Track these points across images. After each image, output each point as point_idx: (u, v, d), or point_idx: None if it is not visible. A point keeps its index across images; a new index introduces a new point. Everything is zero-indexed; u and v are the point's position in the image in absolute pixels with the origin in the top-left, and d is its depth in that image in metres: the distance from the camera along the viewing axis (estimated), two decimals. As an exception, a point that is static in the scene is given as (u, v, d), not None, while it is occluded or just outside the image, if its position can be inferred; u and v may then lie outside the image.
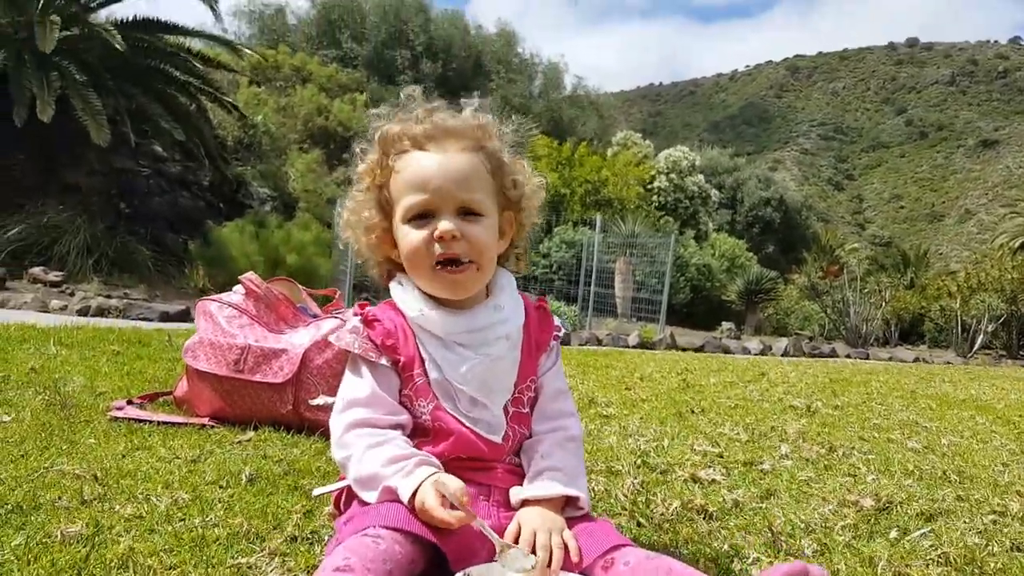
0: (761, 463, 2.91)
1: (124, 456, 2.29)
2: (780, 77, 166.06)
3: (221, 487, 2.08)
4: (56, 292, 8.50)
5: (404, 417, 1.55)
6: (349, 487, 1.57)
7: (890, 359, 14.62)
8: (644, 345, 11.26)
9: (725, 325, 16.54)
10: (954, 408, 5.28)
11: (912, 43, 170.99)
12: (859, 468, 2.99)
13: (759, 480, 2.69)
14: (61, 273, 9.10)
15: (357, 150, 1.62)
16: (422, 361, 1.55)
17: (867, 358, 14.27)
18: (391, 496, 1.39)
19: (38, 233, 9.75)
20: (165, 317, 7.77)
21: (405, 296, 1.60)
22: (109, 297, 8.28)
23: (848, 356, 14.12)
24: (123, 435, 2.53)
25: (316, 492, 1.82)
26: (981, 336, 17.62)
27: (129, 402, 2.89)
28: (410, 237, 1.50)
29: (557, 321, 1.74)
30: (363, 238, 1.62)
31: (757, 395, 5.01)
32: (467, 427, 1.55)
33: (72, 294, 8.45)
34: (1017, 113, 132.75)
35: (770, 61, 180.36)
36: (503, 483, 1.58)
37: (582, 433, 1.70)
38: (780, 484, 2.66)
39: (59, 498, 1.87)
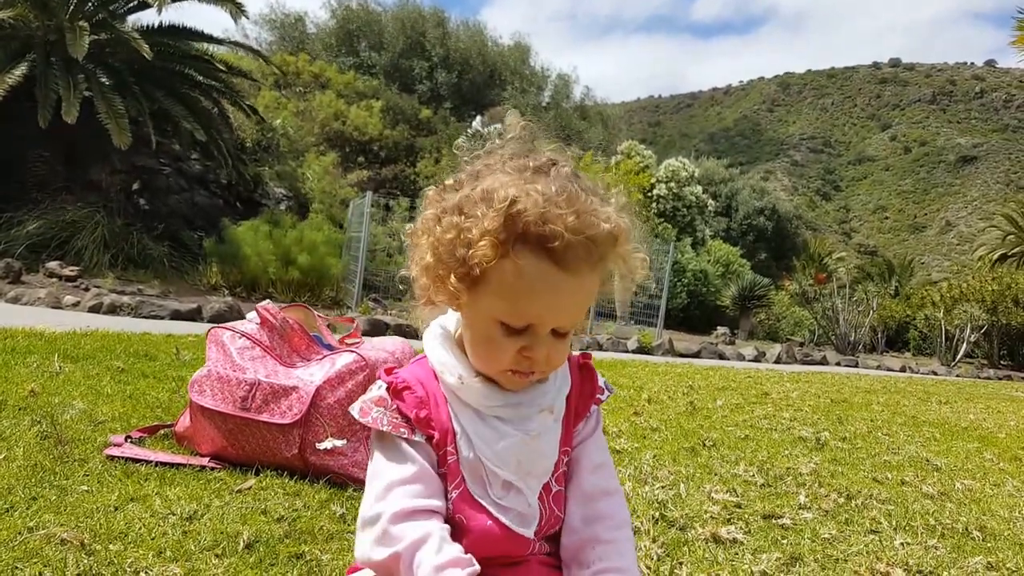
0: (781, 516, 2.65)
1: (116, 509, 2.04)
2: (772, 92, 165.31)
3: (217, 556, 1.82)
4: (71, 287, 8.23)
5: (444, 502, 1.23)
6: None
7: (878, 367, 14.44)
8: (643, 350, 11.05)
9: (720, 330, 16.33)
10: (958, 438, 5.04)
11: (895, 63, 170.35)
12: (881, 523, 2.74)
13: (781, 540, 2.43)
14: (77, 268, 8.82)
15: (477, 213, 1.12)
16: (454, 436, 1.24)
17: (856, 366, 14.08)
18: None
19: (57, 228, 9.46)
20: (176, 315, 7.52)
21: (444, 358, 1.26)
22: (122, 293, 8.01)
23: (839, 364, 13.92)
24: (118, 479, 2.27)
25: None
26: (964, 345, 17.39)
27: (127, 437, 2.62)
28: (495, 342, 1.17)
29: (601, 381, 1.38)
30: (434, 296, 1.22)
31: (765, 422, 4.75)
32: (495, 518, 1.23)
33: (87, 289, 8.19)
34: (993, 131, 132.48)
35: (762, 77, 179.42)
36: None
37: (630, 517, 1.37)
38: (804, 545, 2.41)
39: (40, 574, 1.62)
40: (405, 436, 1.21)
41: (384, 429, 1.21)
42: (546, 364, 1.19)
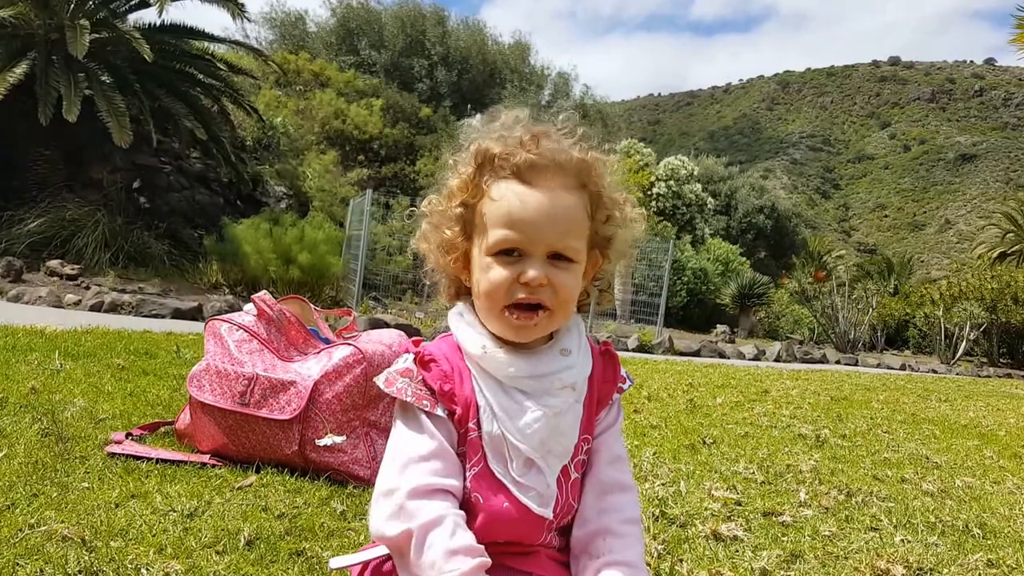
0: (781, 514, 2.65)
1: (117, 506, 2.03)
2: (772, 91, 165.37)
3: (218, 553, 1.82)
4: (72, 285, 8.23)
5: (461, 482, 1.23)
6: (373, 561, 1.28)
7: (878, 365, 14.41)
8: (643, 348, 11.04)
9: (719, 328, 16.29)
10: (958, 436, 5.04)
11: (894, 62, 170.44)
12: (881, 520, 2.74)
13: (781, 537, 2.43)
14: (78, 266, 8.82)
15: (451, 161, 1.30)
16: (478, 410, 1.24)
17: (856, 364, 14.05)
18: None
19: (57, 227, 9.45)
20: (177, 314, 7.53)
21: (467, 330, 1.29)
22: (123, 292, 8.01)
23: (838, 362, 13.90)
24: (119, 476, 2.27)
25: (334, 565, 1.39)
26: (963, 343, 17.37)
27: (128, 435, 2.62)
28: (492, 273, 1.21)
29: (623, 371, 1.40)
30: (440, 257, 1.31)
31: (765, 420, 4.75)
32: (512, 497, 1.23)
33: (87, 288, 8.19)
34: (993, 129, 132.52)
35: (762, 76, 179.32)
36: (547, 573, 1.28)
37: (640, 512, 1.37)
38: (804, 542, 2.40)
39: (40, 572, 1.61)
40: (427, 409, 1.22)
41: (408, 399, 1.23)
42: (552, 294, 1.21)
